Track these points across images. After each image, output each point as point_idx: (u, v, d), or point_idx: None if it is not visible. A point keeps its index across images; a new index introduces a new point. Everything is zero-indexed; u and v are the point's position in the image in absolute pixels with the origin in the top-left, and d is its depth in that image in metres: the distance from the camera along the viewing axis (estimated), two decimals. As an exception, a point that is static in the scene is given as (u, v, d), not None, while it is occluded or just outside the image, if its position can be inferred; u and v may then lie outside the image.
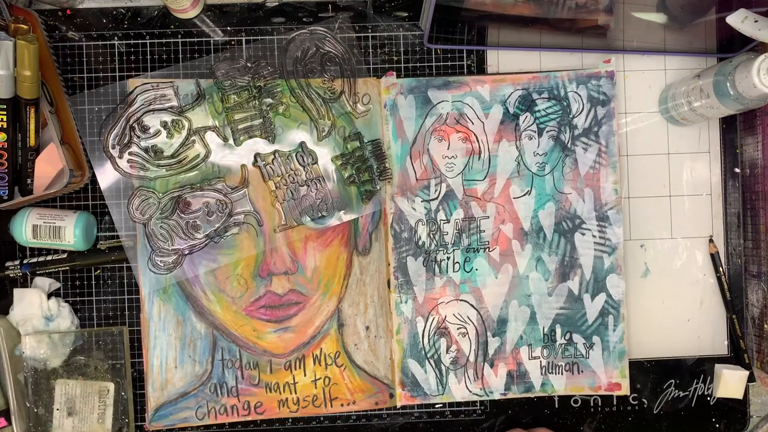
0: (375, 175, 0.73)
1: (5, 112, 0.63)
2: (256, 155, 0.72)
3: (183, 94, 0.71)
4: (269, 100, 0.72)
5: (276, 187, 0.73)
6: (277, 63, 0.72)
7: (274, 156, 0.73)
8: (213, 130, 0.72)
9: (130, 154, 0.71)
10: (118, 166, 0.71)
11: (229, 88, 0.71)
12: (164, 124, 0.71)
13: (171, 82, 0.71)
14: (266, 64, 0.72)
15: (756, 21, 0.61)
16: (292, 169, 0.73)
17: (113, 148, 0.71)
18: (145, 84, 0.71)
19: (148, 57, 0.73)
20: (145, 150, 0.71)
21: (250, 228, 0.72)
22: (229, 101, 0.72)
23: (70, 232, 0.70)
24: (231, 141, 0.72)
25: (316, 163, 0.73)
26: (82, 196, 0.73)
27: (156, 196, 0.71)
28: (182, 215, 0.71)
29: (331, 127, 0.73)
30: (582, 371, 0.74)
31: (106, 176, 0.72)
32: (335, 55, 0.72)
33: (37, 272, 0.72)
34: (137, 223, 0.71)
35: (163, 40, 0.73)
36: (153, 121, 0.71)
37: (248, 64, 0.71)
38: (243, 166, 0.73)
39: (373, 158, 0.73)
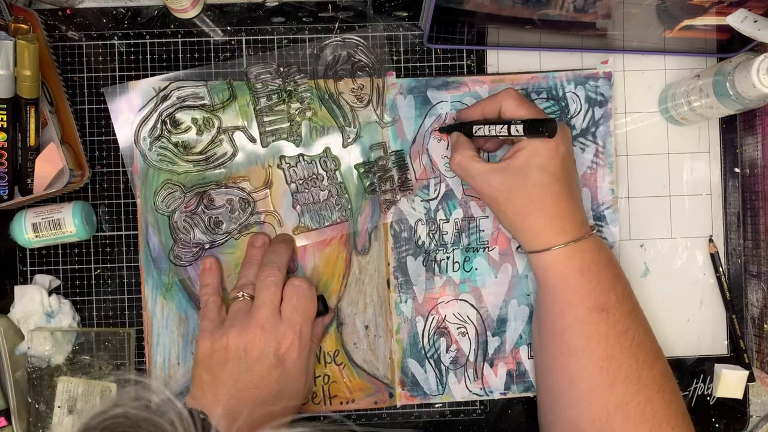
0: (396, 186, 0.73)
1: (5, 112, 0.63)
2: (281, 158, 0.73)
3: (215, 93, 0.72)
4: (298, 105, 0.73)
5: (297, 190, 0.73)
6: (308, 69, 0.73)
7: (299, 159, 0.73)
8: (241, 130, 0.73)
9: (160, 147, 0.72)
10: (148, 159, 0.72)
11: (260, 91, 0.72)
12: (195, 121, 0.73)
13: (204, 81, 0.72)
14: (297, 69, 0.73)
15: (756, 21, 0.61)
16: (314, 174, 0.73)
17: (144, 140, 0.72)
18: (180, 81, 0.72)
19: (148, 57, 0.74)
20: (175, 145, 0.72)
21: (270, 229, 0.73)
22: (259, 103, 0.72)
23: (69, 221, 0.70)
24: (258, 142, 0.73)
25: (339, 169, 0.73)
26: (82, 196, 0.74)
27: (182, 190, 0.72)
28: (206, 210, 0.72)
29: (356, 134, 0.73)
30: (581, 371, 0.74)
31: (136, 167, 0.73)
32: (366, 65, 0.73)
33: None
34: (162, 215, 0.72)
35: (163, 40, 0.74)
36: (185, 118, 0.72)
37: (281, 69, 0.72)
38: (268, 167, 0.73)
39: (396, 168, 0.73)
